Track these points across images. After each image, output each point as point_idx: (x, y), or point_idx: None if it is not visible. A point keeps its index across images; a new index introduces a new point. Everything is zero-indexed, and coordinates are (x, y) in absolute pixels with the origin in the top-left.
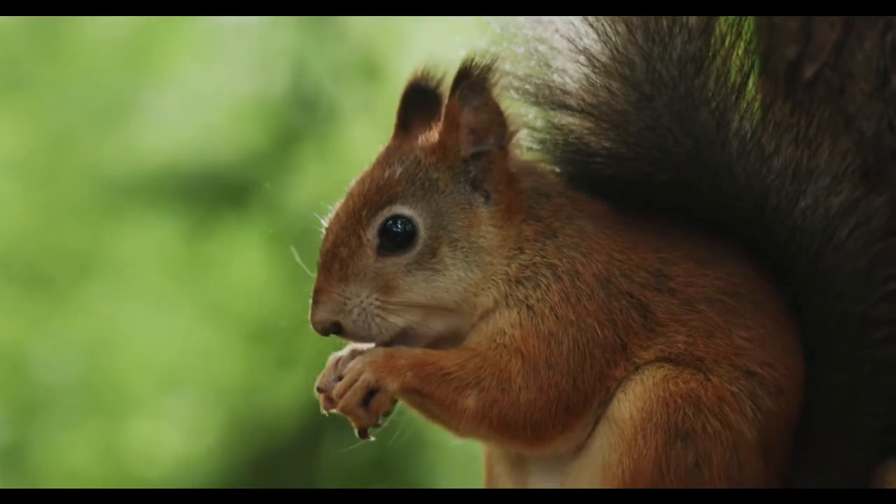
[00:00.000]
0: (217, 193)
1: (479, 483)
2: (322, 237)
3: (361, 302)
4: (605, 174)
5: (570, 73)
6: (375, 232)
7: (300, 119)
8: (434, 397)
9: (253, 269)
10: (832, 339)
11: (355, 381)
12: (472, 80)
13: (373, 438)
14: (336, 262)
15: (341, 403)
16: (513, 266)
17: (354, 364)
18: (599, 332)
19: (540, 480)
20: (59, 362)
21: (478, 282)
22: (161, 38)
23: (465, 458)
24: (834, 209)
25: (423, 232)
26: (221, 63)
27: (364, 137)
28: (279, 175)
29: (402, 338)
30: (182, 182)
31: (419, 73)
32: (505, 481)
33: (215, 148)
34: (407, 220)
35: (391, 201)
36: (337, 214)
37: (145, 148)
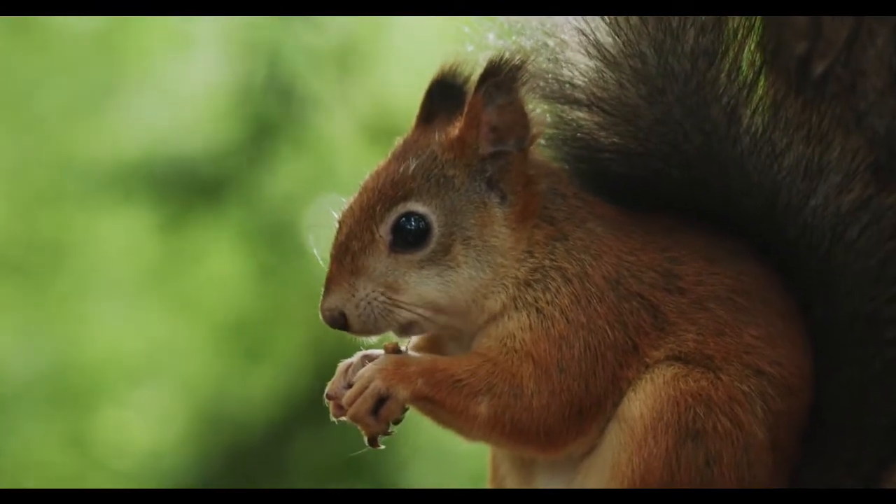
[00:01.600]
0: (191, 186)
1: (451, 478)
2: (335, 230)
3: (368, 295)
4: (614, 170)
5: (580, 67)
6: (389, 228)
7: (275, 111)
8: (445, 405)
9: (226, 263)
10: (841, 338)
11: (365, 388)
12: (500, 78)
13: (382, 447)
14: (348, 255)
15: (351, 411)
16: (522, 269)
17: (364, 372)
18: (610, 333)
19: (546, 481)
20: (29, 353)
21: (488, 283)
22: (136, 28)
23: (437, 454)
24: (845, 207)
25: (436, 230)
26: (196, 53)
27: (340, 130)
28: (254, 168)
29: (406, 332)
30: (155, 175)
31: (447, 68)
32: (510, 482)
33: (189, 140)
34: (420, 218)
35: (405, 197)
36: (351, 208)
37: (119, 139)
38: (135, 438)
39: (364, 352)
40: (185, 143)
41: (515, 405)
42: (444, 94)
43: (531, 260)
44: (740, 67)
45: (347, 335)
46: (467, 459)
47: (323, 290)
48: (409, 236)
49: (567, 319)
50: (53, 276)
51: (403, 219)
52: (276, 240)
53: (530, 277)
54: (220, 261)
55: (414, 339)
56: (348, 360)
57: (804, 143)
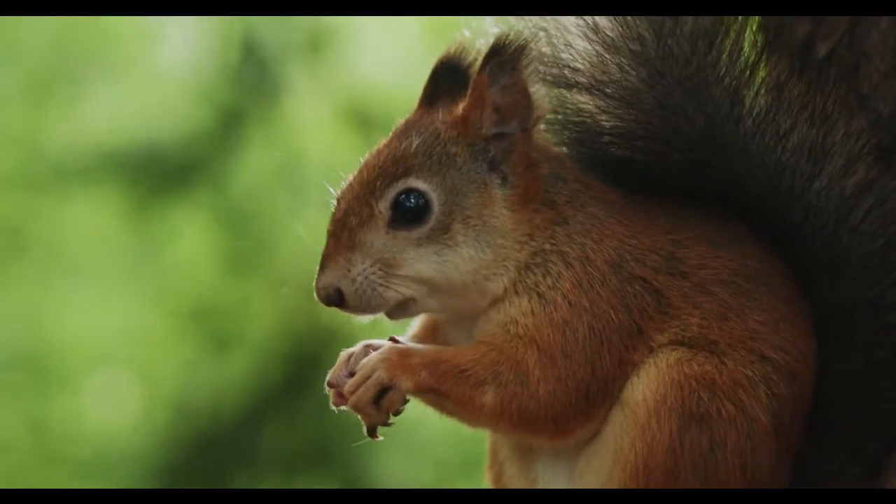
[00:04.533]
0: (160, 171)
1: (421, 465)
2: (333, 206)
3: (365, 270)
4: (615, 154)
5: (579, 50)
6: (388, 204)
7: (246, 96)
8: (451, 395)
9: (196, 249)
10: (845, 324)
11: (368, 377)
12: (504, 58)
13: (381, 438)
14: (345, 230)
15: (353, 400)
16: (523, 252)
17: (368, 361)
18: (615, 317)
19: (548, 466)
20: None
21: (489, 264)
22: None
23: (408, 442)
24: (849, 190)
25: (436, 207)
26: (167, 38)
27: (312, 115)
28: (224, 154)
29: (402, 311)
30: (125, 159)
31: (452, 51)
32: (510, 466)
33: (159, 125)
34: (420, 195)
35: (406, 174)
36: (350, 184)
37: (88, 124)
38: (103, 426)
39: (366, 341)
40: (155, 128)
41: (522, 393)
42: (447, 78)
43: (532, 244)
44: (742, 48)
45: (321, 320)
46: (438, 446)
47: (318, 267)
48: (409, 213)
49: (570, 304)
50: (18, 261)
51: (403, 195)
52: (246, 225)
53: (531, 261)
54: (189, 246)
55: (413, 328)
56: (350, 350)
57: (808, 124)
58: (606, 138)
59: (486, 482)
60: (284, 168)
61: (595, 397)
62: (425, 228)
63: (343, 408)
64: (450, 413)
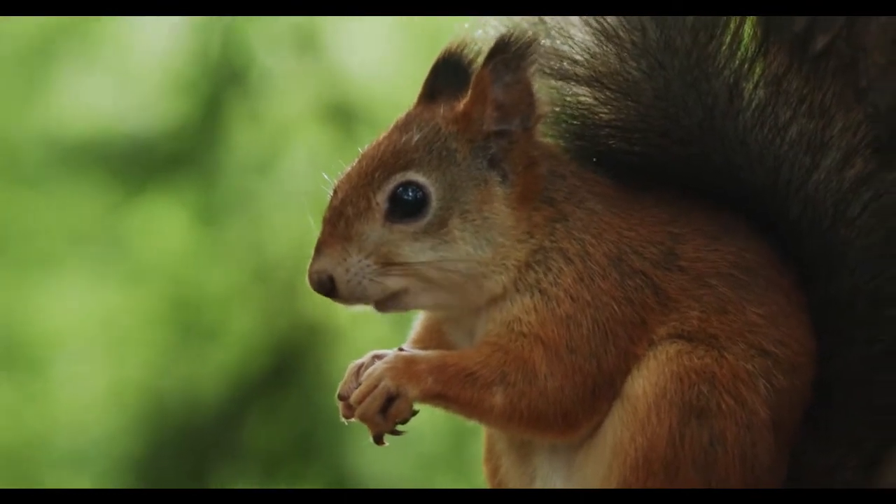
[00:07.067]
0: (142, 164)
1: (404, 459)
2: (329, 195)
3: (360, 262)
4: (614, 147)
5: (579, 41)
6: (385, 197)
7: (230, 90)
8: (459, 400)
9: (179, 240)
10: (843, 317)
11: (375, 387)
12: (508, 55)
13: (387, 444)
14: (342, 220)
15: (359, 411)
16: (523, 251)
17: (373, 370)
18: (617, 309)
19: (545, 459)
20: None
21: (487, 261)
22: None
23: (393, 436)
24: (847, 183)
25: (434, 202)
26: (151, 29)
27: (296, 107)
28: (206, 147)
29: (393, 303)
30: (105, 151)
31: (454, 46)
32: (506, 460)
33: (144, 117)
34: (419, 188)
35: (406, 167)
36: (348, 174)
37: (72, 116)
38: (85, 417)
39: (374, 351)
40: (136, 120)
41: (531, 391)
42: (448, 73)
43: (531, 241)
44: (741, 41)
45: (304, 314)
46: (423, 441)
47: (313, 252)
48: (406, 206)
49: (572, 298)
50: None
51: (401, 188)
52: (231, 217)
53: (531, 259)
54: (170, 238)
55: (414, 331)
56: (359, 361)
57: (806, 117)
58: (605, 131)
59: (482, 476)
60: (267, 161)
61: (601, 391)
62: (422, 223)
63: (353, 420)
64: (460, 415)
